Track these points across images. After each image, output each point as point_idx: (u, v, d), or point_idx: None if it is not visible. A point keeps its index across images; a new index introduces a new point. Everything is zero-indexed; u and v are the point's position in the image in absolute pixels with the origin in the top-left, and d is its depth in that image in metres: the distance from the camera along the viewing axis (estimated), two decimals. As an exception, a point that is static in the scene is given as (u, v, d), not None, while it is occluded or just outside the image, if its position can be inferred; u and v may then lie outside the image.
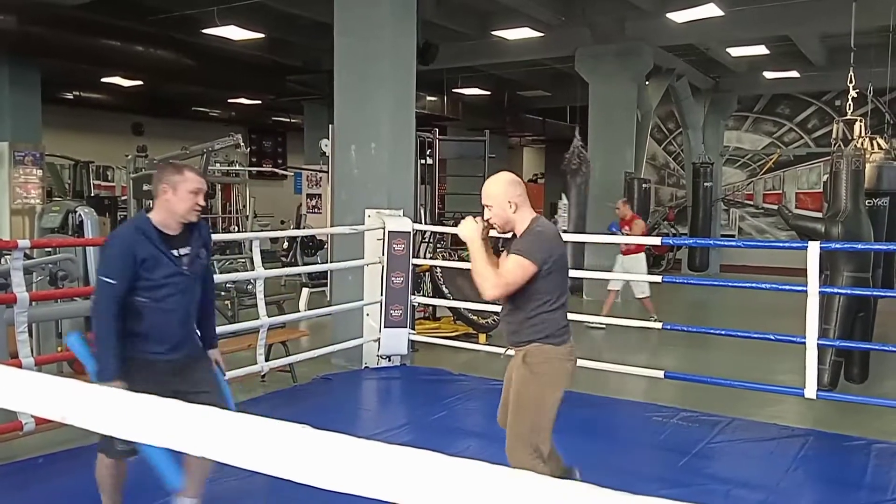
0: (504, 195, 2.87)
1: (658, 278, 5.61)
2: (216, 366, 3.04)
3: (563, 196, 10.24)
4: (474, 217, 2.98)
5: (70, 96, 14.12)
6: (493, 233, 3.00)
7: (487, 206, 2.92)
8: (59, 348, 5.43)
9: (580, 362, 5.34)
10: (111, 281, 2.64)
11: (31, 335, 4.16)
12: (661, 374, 5.08)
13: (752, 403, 5.19)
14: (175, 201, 2.74)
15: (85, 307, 5.28)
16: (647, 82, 12.25)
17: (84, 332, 5.16)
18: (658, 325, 5.25)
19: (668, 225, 16.33)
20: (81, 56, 9.90)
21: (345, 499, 0.83)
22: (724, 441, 4.60)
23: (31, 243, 3.97)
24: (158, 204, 2.78)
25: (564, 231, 9.37)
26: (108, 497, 2.93)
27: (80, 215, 5.69)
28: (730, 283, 6.74)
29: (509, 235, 3.02)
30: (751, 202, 16.36)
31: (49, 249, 5.24)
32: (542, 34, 10.78)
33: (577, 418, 5.13)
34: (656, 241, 7.93)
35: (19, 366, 3.75)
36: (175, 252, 2.77)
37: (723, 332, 5.69)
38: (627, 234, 8.25)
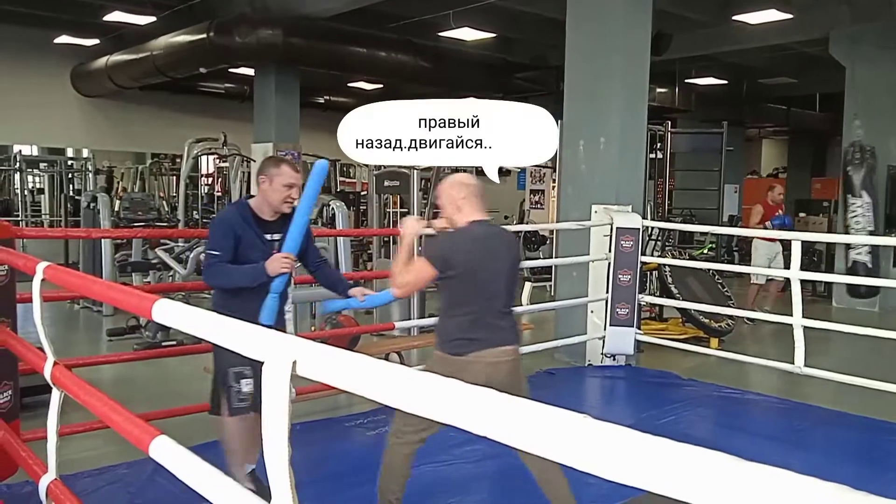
0: (448, 196, 2.90)
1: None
2: (362, 297, 3.30)
3: (857, 194, 8.87)
4: (419, 219, 3.10)
5: (321, 100, 15.61)
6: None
7: (439, 205, 2.97)
8: (312, 328, 6.05)
9: (837, 376, 4.87)
10: (216, 253, 2.95)
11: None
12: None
13: None
14: (270, 191, 3.00)
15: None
16: (917, 63, 10.70)
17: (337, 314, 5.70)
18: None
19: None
20: (333, 63, 10.90)
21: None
22: None
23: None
24: (258, 192, 3.08)
25: (871, 232, 8.51)
26: (238, 457, 3.06)
27: (333, 208, 6.27)
28: None
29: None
30: None
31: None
32: (790, 16, 9.88)
33: (831, 438, 4.68)
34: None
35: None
36: (268, 236, 3.04)
37: None
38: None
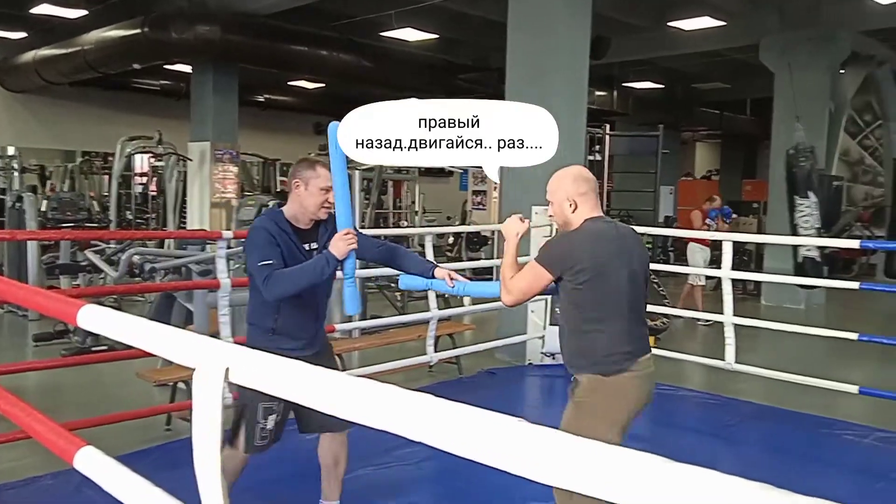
0: (564, 191, 2.56)
1: (855, 285, 5.12)
2: (451, 281, 2.90)
3: (803, 194, 9.26)
4: (522, 218, 2.71)
5: (261, 99, 15.35)
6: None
7: (549, 201, 2.64)
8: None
9: (766, 372, 5.06)
10: (269, 262, 2.62)
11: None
12: (854, 388, 4.65)
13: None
14: (305, 196, 2.74)
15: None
16: (842, 71, 11.21)
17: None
18: (854, 335, 4.81)
19: (861, 226, 14.89)
20: (273, 62, 10.72)
21: (509, 486, 0.84)
22: (928, 468, 4.14)
23: (233, 234, 4.36)
24: (291, 198, 2.79)
25: (817, 231, 8.84)
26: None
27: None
28: (939, 294, 5.99)
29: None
30: (964, 202, 14.50)
31: (244, 239, 5.75)
32: (723, 23, 10.21)
33: (760, 432, 4.86)
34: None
35: (221, 344, 4.14)
36: (306, 247, 2.76)
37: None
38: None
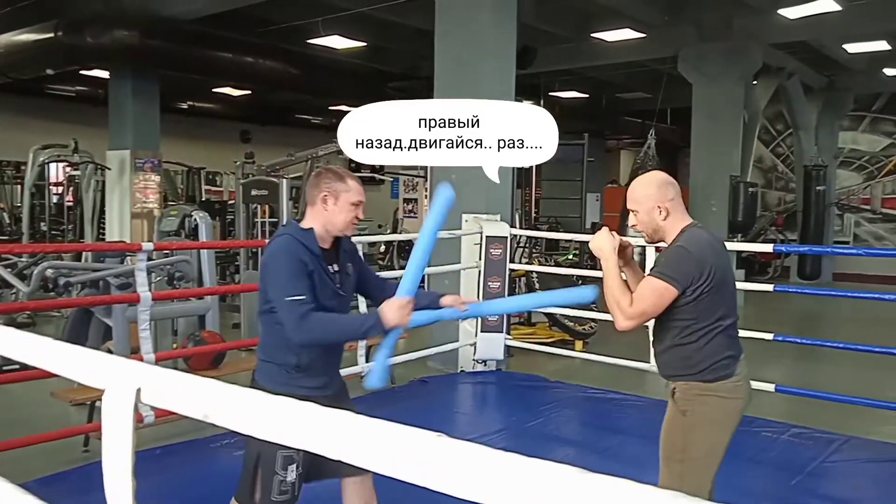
0: (653, 199, 2.43)
1: (770, 287, 5.35)
2: (463, 306, 2.60)
3: None
4: (610, 229, 2.58)
5: (184, 106, 14.93)
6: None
7: (633, 210, 2.49)
8: (175, 345, 5.75)
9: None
10: (301, 297, 2.28)
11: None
12: (771, 387, 4.85)
13: (871, 421, 4.89)
14: (335, 212, 2.41)
15: (199, 306, 5.58)
16: (754, 82, 11.75)
17: (200, 330, 5.44)
18: (769, 335, 5.01)
19: (775, 230, 15.63)
20: (196, 68, 10.43)
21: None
22: (839, 460, 4.36)
23: (153, 246, 4.21)
24: (315, 213, 2.44)
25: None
26: None
27: (195, 219, 6.00)
28: (849, 294, 6.30)
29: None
30: (868, 207, 15.40)
31: (167, 251, 5.56)
32: (643, 35, 10.54)
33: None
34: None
35: (140, 360, 3.99)
36: (330, 268, 2.44)
37: (840, 346, 5.37)
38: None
